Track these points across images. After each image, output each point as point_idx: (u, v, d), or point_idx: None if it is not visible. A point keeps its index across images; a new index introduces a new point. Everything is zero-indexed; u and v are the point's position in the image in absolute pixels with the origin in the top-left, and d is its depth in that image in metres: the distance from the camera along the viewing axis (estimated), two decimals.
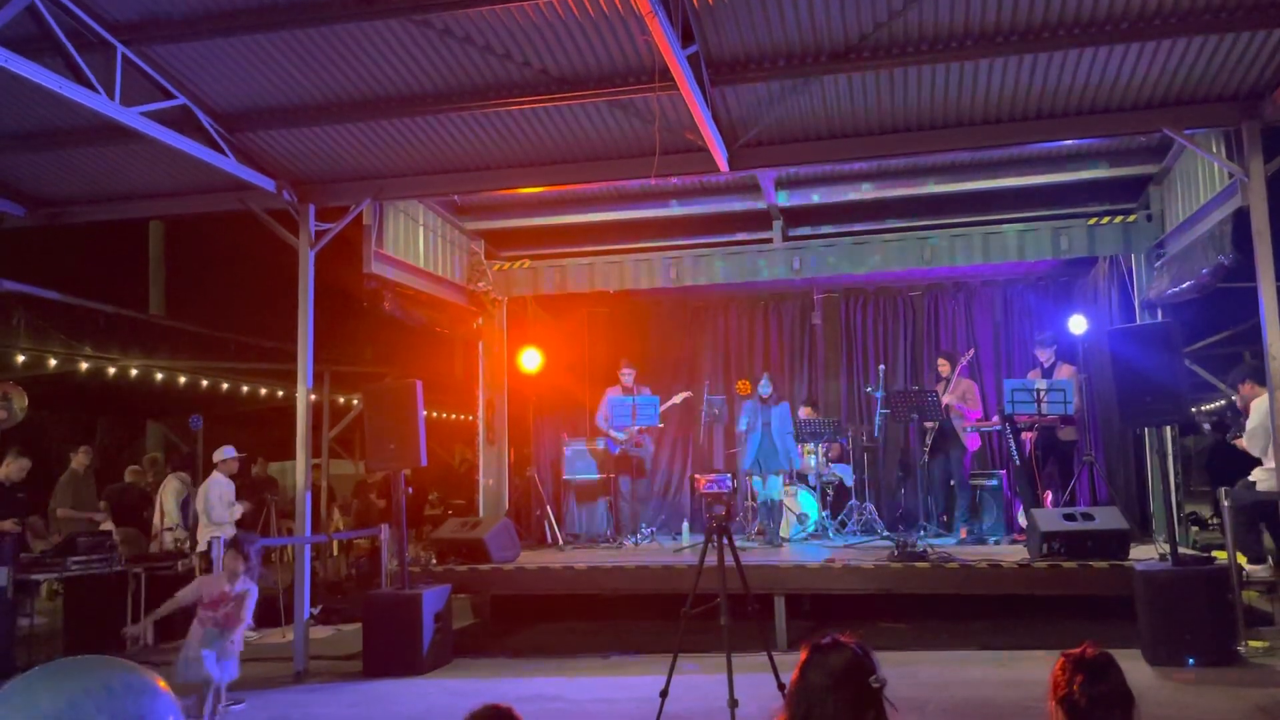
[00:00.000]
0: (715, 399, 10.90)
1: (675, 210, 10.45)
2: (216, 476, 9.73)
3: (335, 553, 13.09)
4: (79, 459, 10.48)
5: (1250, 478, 7.97)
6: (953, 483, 10.20)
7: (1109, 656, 2.51)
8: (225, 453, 9.91)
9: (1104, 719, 2.41)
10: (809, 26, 6.63)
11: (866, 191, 9.86)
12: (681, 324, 12.97)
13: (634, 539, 10.66)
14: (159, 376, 12.14)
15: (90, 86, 6.40)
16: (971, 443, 10.23)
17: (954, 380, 10.16)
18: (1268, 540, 8.06)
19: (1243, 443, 8.07)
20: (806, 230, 10.70)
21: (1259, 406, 7.81)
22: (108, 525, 10.20)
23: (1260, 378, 7.79)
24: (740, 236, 10.84)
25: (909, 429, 11.50)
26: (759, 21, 6.55)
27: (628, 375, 10.96)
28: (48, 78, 6.09)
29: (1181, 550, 7.54)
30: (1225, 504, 7.38)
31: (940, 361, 10.52)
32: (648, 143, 7.85)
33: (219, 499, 9.55)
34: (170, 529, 10.08)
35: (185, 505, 10.30)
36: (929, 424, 10.12)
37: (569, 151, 8.27)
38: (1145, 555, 7.98)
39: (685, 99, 6.65)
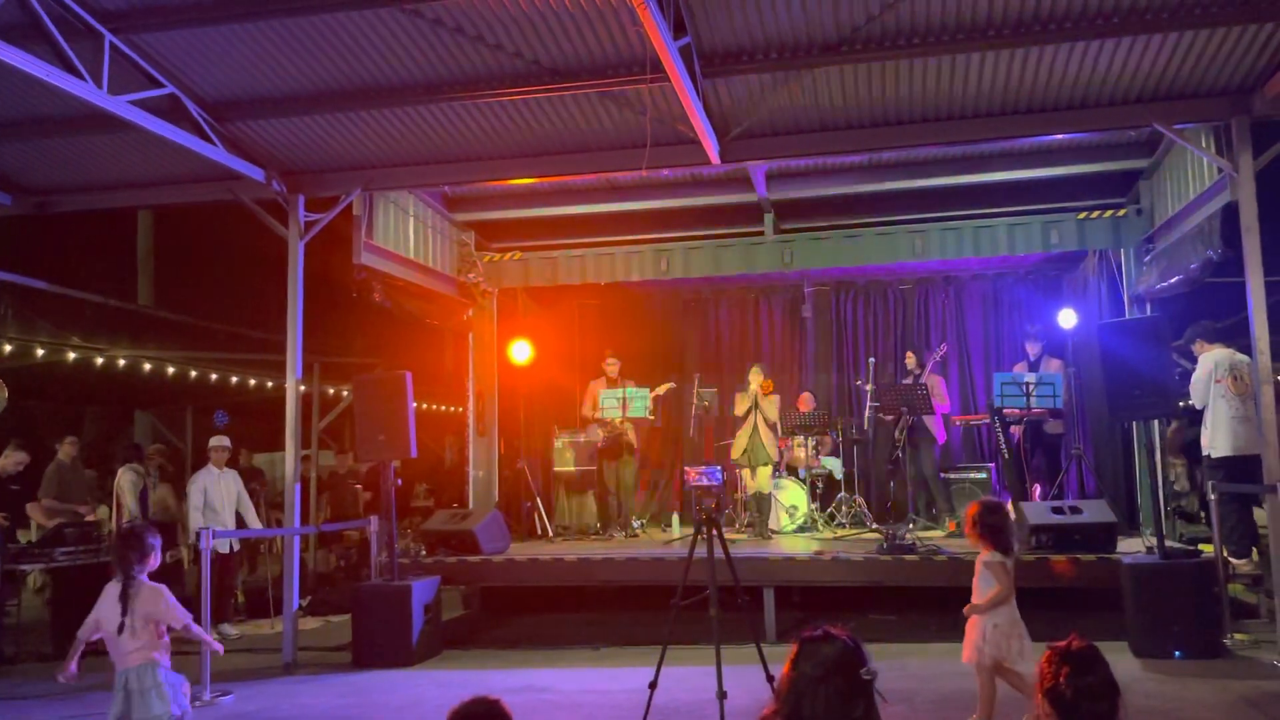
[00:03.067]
0: (705, 391, 10.90)
1: (666, 203, 10.44)
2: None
3: (316, 545, 13.02)
4: (65, 449, 10.42)
5: (1203, 450, 8.11)
6: (925, 475, 10.24)
7: (1095, 649, 2.53)
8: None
9: (1091, 710, 2.43)
10: (800, 19, 6.63)
11: (857, 185, 9.86)
12: (672, 316, 12.99)
13: (623, 531, 10.67)
14: (147, 367, 12.08)
15: (78, 75, 6.35)
16: (940, 435, 10.29)
17: (923, 375, 10.23)
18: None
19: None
20: (797, 223, 10.70)
21: (1205, 360, 8.06)
22: (93, 516, 10.15)
23: (1210, 336, 8.18)
24: (731, 229, 10.84)
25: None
26: (751, 13, 6.54)
27: (612, 367, 10.97)
28: (35, 65, 6.04)
29: (1168, 543, 7.58)
30: (1212, 497, 7.43)
31: (909, 355, 10.58)
32: (639, 134, 7.84)
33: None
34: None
35: (143, 497, 10.21)
36: (888, 417, 10.17)
37: (560, 143, 8.26)
38: (1132, 548, 8.02)
39: (677, 91, 6.64)
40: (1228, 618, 7.07)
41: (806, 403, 11.39)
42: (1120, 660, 3.25)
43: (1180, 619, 6.77)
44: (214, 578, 8.18)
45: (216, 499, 9.55)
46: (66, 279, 11.16)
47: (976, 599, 5.14)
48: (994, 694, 5.08)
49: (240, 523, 9.81)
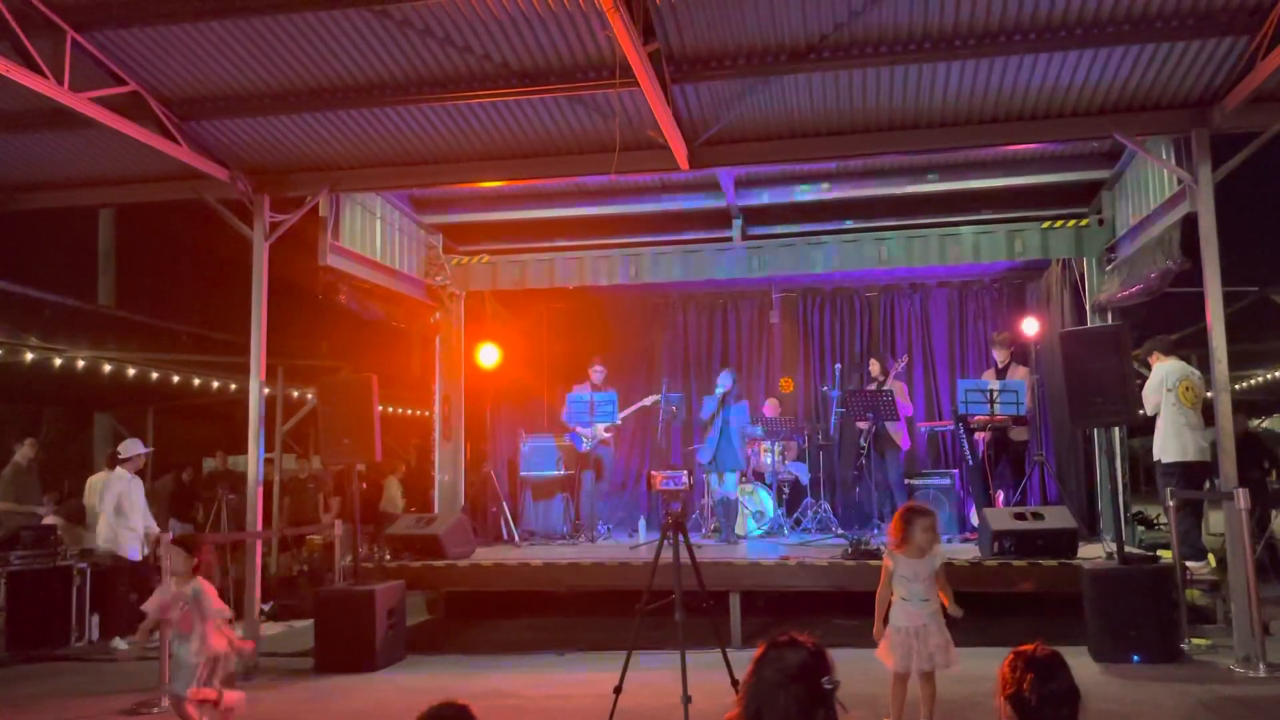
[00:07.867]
0: (673, 396, 10.91)
1: (635, 207, 10.43)
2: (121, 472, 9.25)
3: (279, 550, 12.86)
4: (23, 451, 10.24)
5: (1155, 455, 8.38)
6: (890, 482, 10.30)
7: (1057, 654, 2.55)
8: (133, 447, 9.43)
9: (1052, 715, 2.44)
10: (770, 25, 6.66)
11: (825, 192, 9.91)
12: (640, 321, 12.98)
13: (591, 536, 10.64)
14: (107, 368, 11.90)
15: (39, 71, 6.26)
16: (904, 442, 10.36)
17: (887, 383, 10.29)
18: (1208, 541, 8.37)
19: None
20: (765, 229, 10.74)
21: (1157, 369, 8.45)
22: (50, 519, 9.97)
23: (1165, 349, 8.59)
24: (700, 235, 10.86)
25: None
26: (720, 19, 6.57)
27: (599, 373, 10.93)
28: None
29: (1128, 549, 7.68)
30: (1170, 504, 7.54)
31: (873, 362, 10.63)
32: (608, 139, 7.84)
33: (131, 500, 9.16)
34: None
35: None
36: (862, 424, 10.23)
37: (529, 146, 8.23)
38: (1093, 554, 8.11)
39: (646, 96, 6.65)
40: (1185, 623, 7.17)
41: (773, 408, 11.43)
42: (1080, 665, 3.27)
43: (1139, 624, 6.85)
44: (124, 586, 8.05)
45: (129, 504, 9.08)
46: (24, 278, 10.96)
47: (932, 601, 5.23)
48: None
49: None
